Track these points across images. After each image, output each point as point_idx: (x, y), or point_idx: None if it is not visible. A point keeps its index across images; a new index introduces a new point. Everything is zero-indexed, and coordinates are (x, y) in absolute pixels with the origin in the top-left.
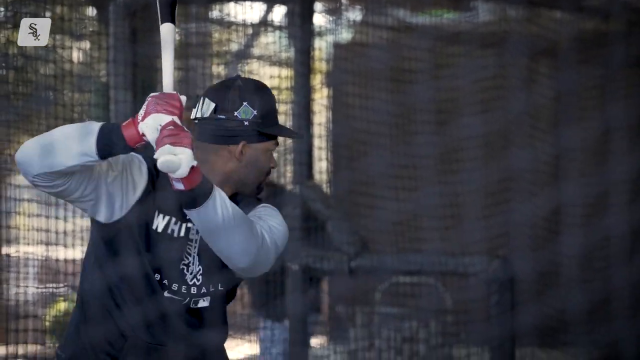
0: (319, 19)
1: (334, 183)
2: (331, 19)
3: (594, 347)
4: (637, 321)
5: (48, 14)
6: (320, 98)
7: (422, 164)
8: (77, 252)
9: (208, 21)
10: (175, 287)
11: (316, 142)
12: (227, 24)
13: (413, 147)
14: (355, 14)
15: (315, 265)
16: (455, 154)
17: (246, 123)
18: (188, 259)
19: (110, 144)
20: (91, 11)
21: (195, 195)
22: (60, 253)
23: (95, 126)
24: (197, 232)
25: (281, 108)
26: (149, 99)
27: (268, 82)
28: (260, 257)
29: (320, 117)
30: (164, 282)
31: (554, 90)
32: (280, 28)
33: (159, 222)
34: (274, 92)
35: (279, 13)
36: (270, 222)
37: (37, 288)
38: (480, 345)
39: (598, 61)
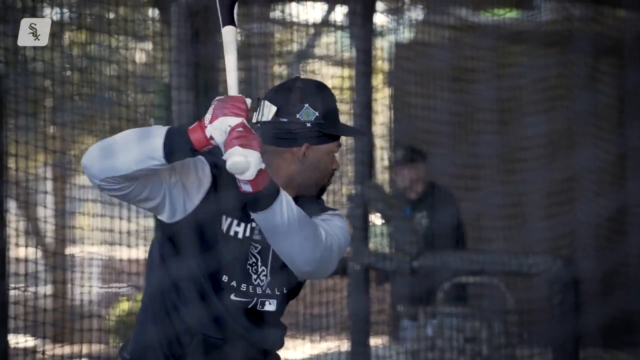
0: (381, 19)
1: (395, 183)
2: (393, 18)
3: None
4: None
5: (111, 15)
6: (382, 98)
7: (485, 164)
8: (141, 252)
9: (270, 21)
10: (243, 287)
11: (378, 142)
12: (288, 24)
13: (476, 147)
14: (416, 13)
15: (377, 265)
16: (519, 154)
17: (308, 125)
18: (252, 259)
19: (177, 148)
20: (153, 12)
21: (261, 197)
22: (124, 253)
23: (161, 130)
24: (260, 232)
25: (343, 107)
26: (215, 102)
27: (329, 82)
28: (324, 260)
29: (382, 116)
30: (231, 283)
31: (619, 89)
32: (341, 28)
33: (222, 223)
34: (336, 92)
35: (340, 13)
36: (333, 225)
37: (101, 288)
38: (543, 346)
39: None
